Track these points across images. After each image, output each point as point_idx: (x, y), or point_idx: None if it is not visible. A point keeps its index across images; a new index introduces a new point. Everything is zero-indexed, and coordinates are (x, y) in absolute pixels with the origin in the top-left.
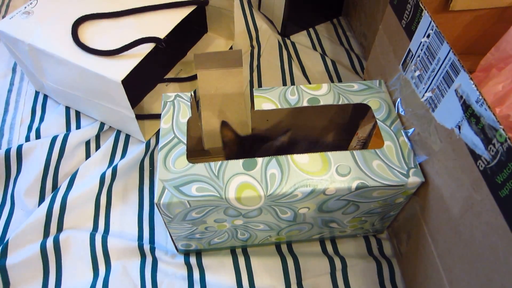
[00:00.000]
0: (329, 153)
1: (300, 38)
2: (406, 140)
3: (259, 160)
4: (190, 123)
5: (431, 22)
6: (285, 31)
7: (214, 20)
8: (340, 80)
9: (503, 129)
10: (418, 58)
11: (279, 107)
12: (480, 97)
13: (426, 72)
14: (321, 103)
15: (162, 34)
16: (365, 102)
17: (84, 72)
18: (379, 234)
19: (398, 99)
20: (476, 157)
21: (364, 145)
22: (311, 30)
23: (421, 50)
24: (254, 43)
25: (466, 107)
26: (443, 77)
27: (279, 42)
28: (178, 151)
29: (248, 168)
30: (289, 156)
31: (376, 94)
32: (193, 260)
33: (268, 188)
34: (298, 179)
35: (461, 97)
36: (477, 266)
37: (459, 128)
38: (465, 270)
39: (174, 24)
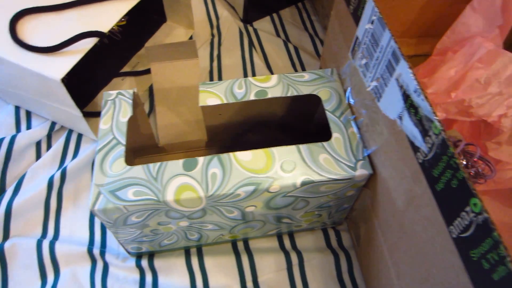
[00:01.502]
0: (274, 149)
1: (263, 25)
2: (356, 131)
3: (200, 159)
4: (138, 121)
5: (374, 7)
6: (247, 18)
7: (171, 8)
8: (303, 67)
9: (439, 121)
10: (364, 46)
11: (225, 101)
12: (418, 87)
13: (372, 60)
14: (269, 95)
15: (107, 27)
16: (315, 93)
17: (23, 70)
18: (338, 226)
19: (349, 89)
20: (415, 149)
21: None
22: (274, 15)
23: (367, 37)
24: (215, 31)
25: (406, 97)
26: (386, 66)
27: (240, 29)
28: (116, 153)
29: (188, 168)
30: (231, 154)
31: (328, 83)
32: (144, 263)
33: (208, 188)
34: (240, 178)
35: (401, 86)
36: (419, 260)
37: (401, 119)
38: (409, 264)
39: (120, 15)
